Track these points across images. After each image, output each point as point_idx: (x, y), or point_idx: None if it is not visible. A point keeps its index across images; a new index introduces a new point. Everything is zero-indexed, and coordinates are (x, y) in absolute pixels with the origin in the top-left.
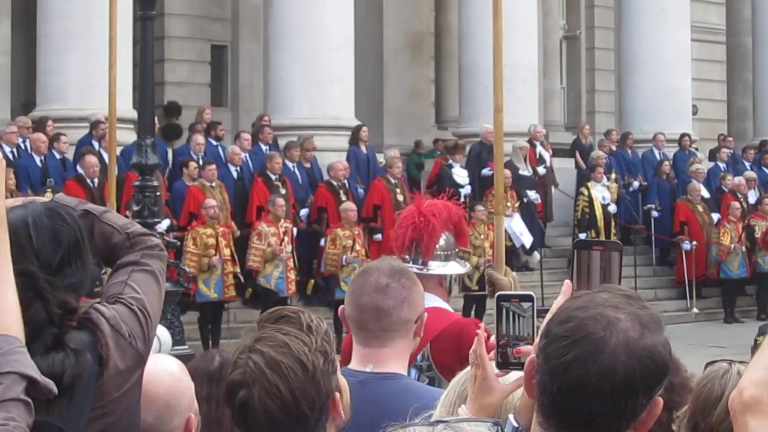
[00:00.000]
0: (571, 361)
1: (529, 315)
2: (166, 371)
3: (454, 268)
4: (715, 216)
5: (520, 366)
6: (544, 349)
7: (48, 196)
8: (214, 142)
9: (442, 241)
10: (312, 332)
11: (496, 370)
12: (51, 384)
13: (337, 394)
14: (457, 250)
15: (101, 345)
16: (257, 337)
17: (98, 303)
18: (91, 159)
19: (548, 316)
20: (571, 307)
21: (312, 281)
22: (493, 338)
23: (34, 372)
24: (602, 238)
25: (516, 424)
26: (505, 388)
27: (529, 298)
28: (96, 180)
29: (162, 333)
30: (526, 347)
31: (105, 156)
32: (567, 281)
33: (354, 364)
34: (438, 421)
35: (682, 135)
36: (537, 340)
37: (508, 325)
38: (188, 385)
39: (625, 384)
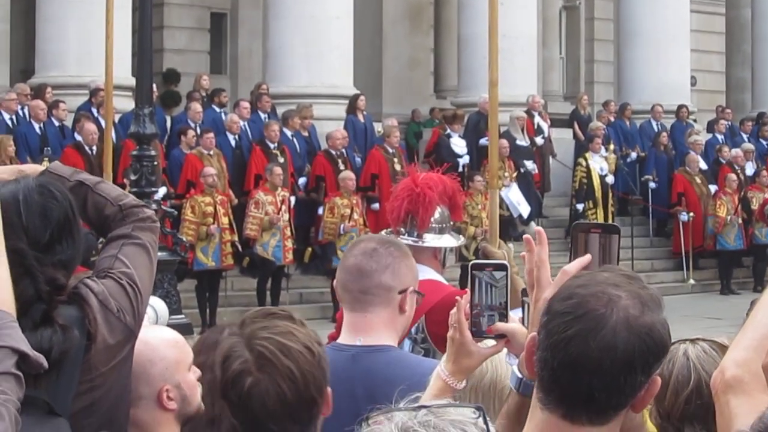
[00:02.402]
0: (572, 336)
1: (502, 285)
2: (141, 340)
3: (449, 240)
4: (713, 188)
5: (492, 335)
6: (546, 325)
7: (45, 165)
8: (218, 109)
9: (437, 214)
10: (305, 326)
11: None
12: (41, 358)
13: (329, 388)
14: (451, 223)
15: (89, 320)
16: (255, 328)
17: (87, 278)
18: (90, 126)
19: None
20: (573, 285)
21: (310, 249)
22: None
23: (25, 346)
24: (600, 208)
25: (520, 375)
26: (483, 351)
27: (502, 268)
28: (95, 147)
29: (158, 305)
30: (499, 324)
31: (103, 123)
32: (564, 268)
33: (344, 338)
34: (421, 406)
35: (680, 106)
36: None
37: (481, 294)
38: (165, 356)
39: (625, 360)
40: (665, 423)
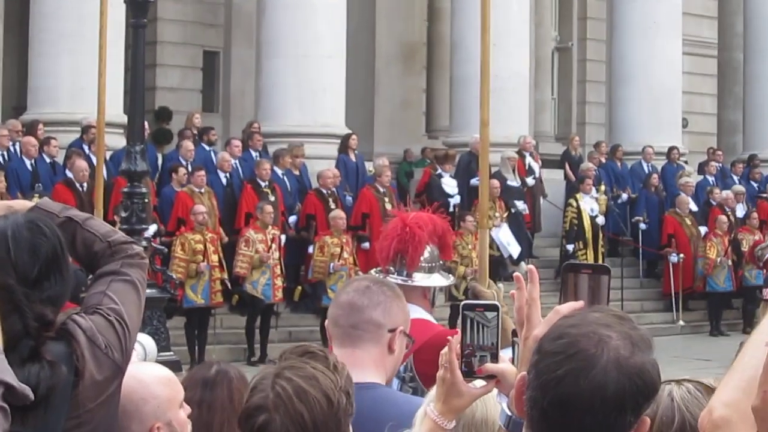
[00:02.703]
0: (562, 376)
1: (494, 325)
2: (133, 377)
3: (438, 280)
4: (703, 229)
5: (483, 376)
6: (536, 365)
7: (35, 201)
8: (207, 147)
9: (426, 254)
10: (338, 372)
11: None
12: (27, 390)
13: None
14: (441, 262)
15: (77, 356)
16: (284, 366)
17: (76, 314)
18: (81, 163)
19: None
20: (564, 325)
21: (300, 288)
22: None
23: (11, 378)
24: (590, 249)
25: (509, 413)
26: (473, 392)
27: (494, 308)
28: (85, 184)
29: (147, 341)
30: (489, 365)
31: (94, 160)
32: (556, 308)
33: None
34: None
35: (671, 148)
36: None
37: (473, 334)
38: (157, 394)
39: (615, 400)
40: None
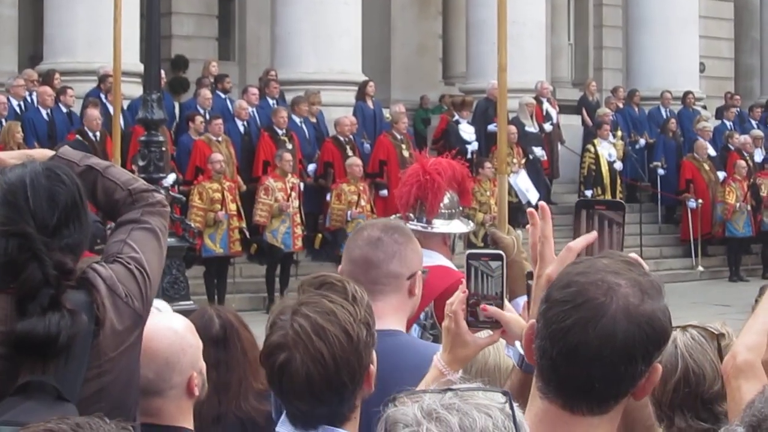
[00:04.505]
0: (571, 325)
1: (498, 274)
2: (169, 328)
3: (458, 226)
4: (721, 174)
5: (488, 325)
6: (545, 314)
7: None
8: (222, 95)
9: (446, 200)
10: (357, 303)
11: None
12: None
13: (372, 367)
14: (461, 208)
15: (97, 305)
16: (302, 301)
17: (96, 263)
18: (93, 112)
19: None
20: (572, 273)
21: (320, 235)
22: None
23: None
24: (608, 195)
25: (522, 352)
26: (479, 342)
27: (498, 257)
28: (98, 133)
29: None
30: (494, 308)
31: (111, 109)
32: (568, 245)
33: None
34: (448, 389)
35: (686, 93)
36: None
37: (477, 283)
38: (192, 343)
39: (625, 349)
40: (658, 411)
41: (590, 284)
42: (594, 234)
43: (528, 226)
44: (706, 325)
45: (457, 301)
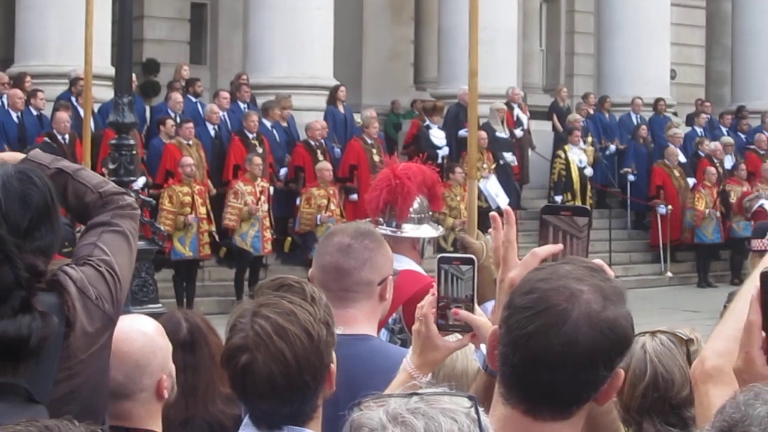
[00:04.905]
0: (533, 332)
1: (469, 278)
2: (138, 331)
3: (427, 231)
4: (691, 181)
5: (458, 328)
6: (507, 320)
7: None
8: (193, 99)
9: (416, 204)
10: (315, 303)
11: None
12: None
13: (332, 366)
14: (430, 213)
15: (68, 307)
16: (261, 302)
17: (67, 265)
18: (62, 115)
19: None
20: (534, 279)
21: (290, 239)
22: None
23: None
24: (578, 201)
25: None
26: (449, 345)
27: (469, 261)
28: (67, 136)
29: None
30: (465, 312)
31: (82, 112)
32: (533, 250)
33: None
34: (414, 393)
35: (658, 99)
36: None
37: (448, 286)
38: (162, 346)
39: (587, 356)
40: (626, 416)
41: (552, 290)
42: (559, 246)
43: (490, 230)
44: (675, 331)
45: (427, 304)
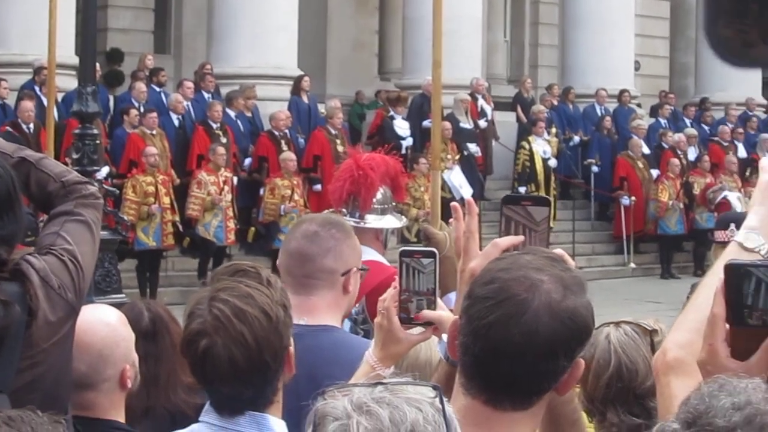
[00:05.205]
0: (493, 322)
1: (430, 271)
2: (101, 321)
3: (391, 221)
4: (655, 172)
5: (420, 322)
6: (467, 311)
7: None
8: (157, 89)
9: (379, 195)
10: (272, 286)
11: None
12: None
13: (291, 348)
14: (394, 203)
15: (30, 296)
16: (218, 288)
17: (29, 254)
18: (26, 104)
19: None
20: (495, 269)
21: (253, 229)
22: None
23: None
24: (542, 191)
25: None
26: (411, 338)
27: (430, 255)
28: (32, 125)
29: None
30: (426, 311)
31: (45, 102)
32: (494, 241)
33: None
34: (378, 383)
35: (622, 91)
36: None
37: (409, 280)
38: (125, 336)
39: (547, 346)
40: (590, 406)
41: (513, 280)
42: (521, 238)
43: (451, 219)
44: (638, 322)
45: (389, 297)
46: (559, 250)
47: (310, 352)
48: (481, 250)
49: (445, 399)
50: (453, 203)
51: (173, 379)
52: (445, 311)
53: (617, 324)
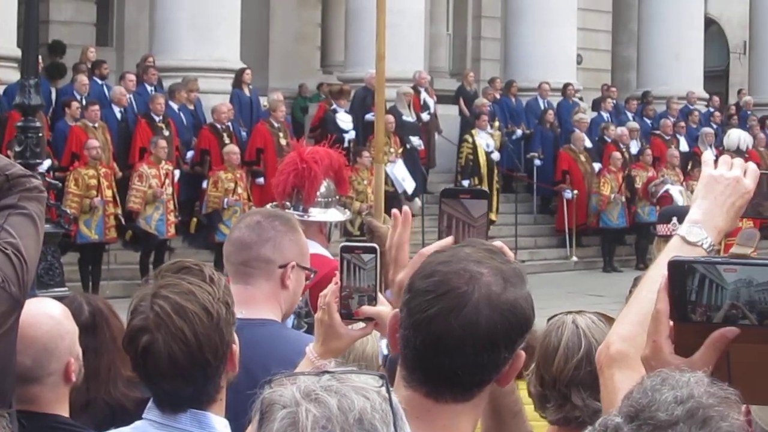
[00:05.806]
0: (434, 315)
1: (371, 267)
2: (45, 314)
3: (335, 215)
4: (597, 166)
5: (361, 318)
6: (408, 304)
7: None
8: (99, 81)
9: (323, 188)
10: (214, 283)
11: None
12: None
13: (235, 346)
14: (337, 197)
15: None
16: (161, 284)
17: None
18: None
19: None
20: (435, 262)
21: (195, 220)
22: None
23: None
24: (485, 185)
25: (386, 352)
26: (352, 334)
27: (371, 250)
28: None
29: None
30: (366, 307)
31: None
32: (420, 251)
33: None
34: (325, 372)
35: (566, 85)
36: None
37: (350, 276)
38: (69, 329)
39: (488, 338)
40: (549, 390)
41: (453, 273)
42: (450, 239)
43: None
44: (597, 312)
45: (330, 293)
46: (498, 243)
47: (247, 346)
48: (422, 238)
49: (391, 388)
50: (394, 210)
51: (113, 372)
52: (386, 306)
53: (578, 312)
